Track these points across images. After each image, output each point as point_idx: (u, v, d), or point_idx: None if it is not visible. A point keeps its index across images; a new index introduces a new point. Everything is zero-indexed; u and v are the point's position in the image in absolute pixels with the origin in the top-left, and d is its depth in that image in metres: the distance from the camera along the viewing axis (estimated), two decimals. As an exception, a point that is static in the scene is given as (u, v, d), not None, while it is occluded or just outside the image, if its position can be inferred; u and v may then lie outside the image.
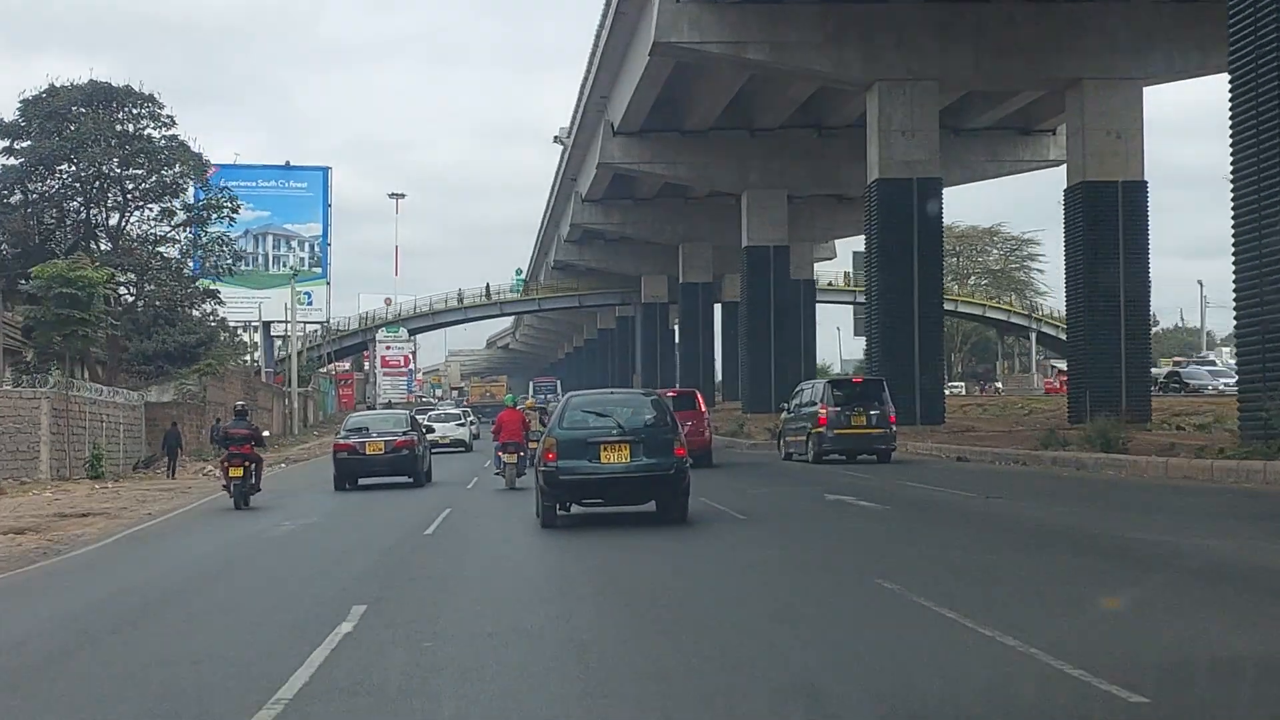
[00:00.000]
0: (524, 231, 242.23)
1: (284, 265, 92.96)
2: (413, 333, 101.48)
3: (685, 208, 73.37)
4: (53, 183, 45.32)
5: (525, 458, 24.50)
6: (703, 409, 33.17)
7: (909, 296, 39.17)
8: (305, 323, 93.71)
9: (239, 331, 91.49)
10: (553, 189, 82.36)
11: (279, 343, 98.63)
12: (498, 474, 26.03)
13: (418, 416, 49.58)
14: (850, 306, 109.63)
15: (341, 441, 27.69)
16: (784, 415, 35.24)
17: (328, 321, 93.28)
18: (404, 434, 27.58)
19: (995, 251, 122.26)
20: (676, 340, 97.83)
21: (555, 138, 69.08)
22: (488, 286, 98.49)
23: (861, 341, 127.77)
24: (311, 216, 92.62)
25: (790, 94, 51.67)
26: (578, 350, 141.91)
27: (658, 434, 16.18)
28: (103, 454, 36.94)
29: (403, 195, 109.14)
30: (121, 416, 42.43)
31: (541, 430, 19.09)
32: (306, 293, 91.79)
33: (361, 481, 27.45)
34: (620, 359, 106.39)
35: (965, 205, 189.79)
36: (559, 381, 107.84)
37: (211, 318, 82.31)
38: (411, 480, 27.28)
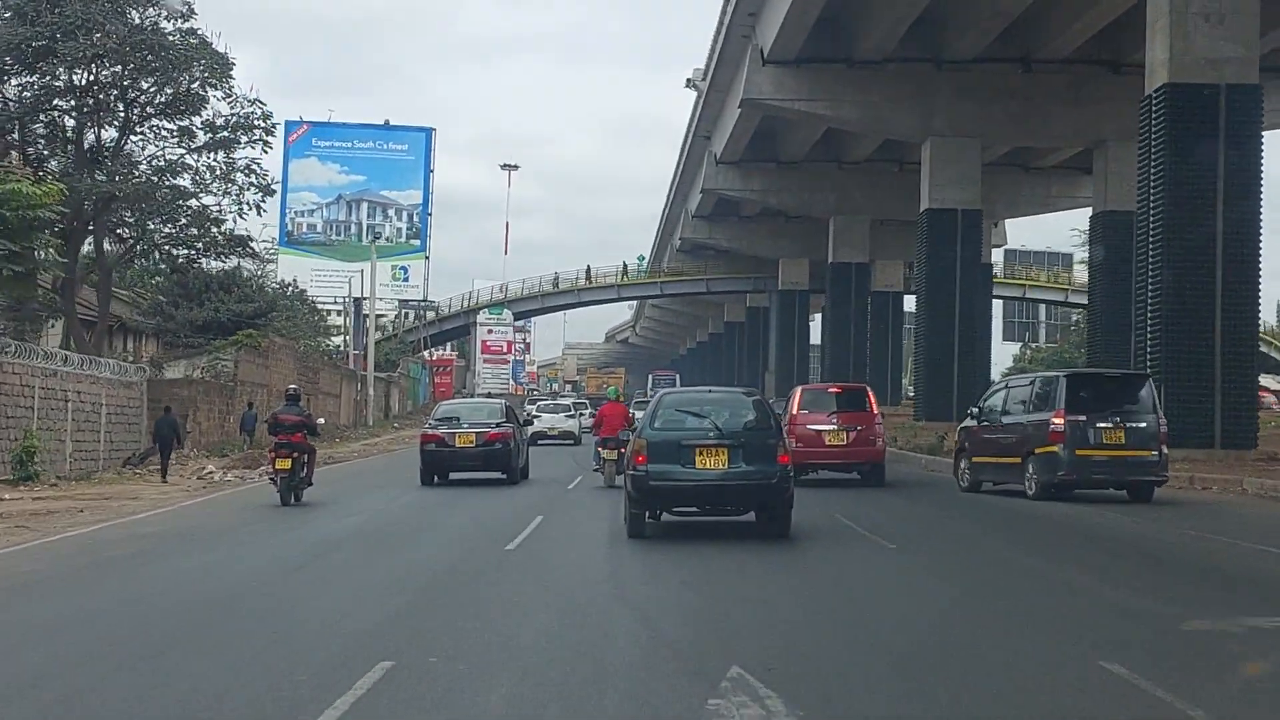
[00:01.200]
0: (645, 230, 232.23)
1: (379, 236, 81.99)
2: (519, 316, 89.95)
3: (838, 174, 60.50)
4: (34, 84, 33.87)
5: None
6: (875, 410, 25.20)
7: (1208, 260, 26.02)
8: (403, 301, 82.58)
9: (328, 312, 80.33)
10: (682, 152, 69.78)
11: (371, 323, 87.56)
12: (596, 470, 24.84)
13: (528, 406, 45.86)
14: (999, 303, 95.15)
15: (430, 432, 25.19)
16: (967, 425, 23.52)
17: (425, 300, 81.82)
18: (498, 425, 25.05)
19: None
20: (815, 334, 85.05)
21: (688, 81, 56.59)
22: (588, 269, 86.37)
23: (1011, 348, 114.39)
24: (411, 183, 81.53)
25: (998, 4, 38.69)
26: (701, 345, 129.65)
27: (759, 438, 14.43)
28: (36, 446, 25.42)
29: (515, 167, 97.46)
30: (105, 396, 30.91)
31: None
32: (403, 267, 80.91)
33: (452, 476, 24.88)
34: (749, 354, 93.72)
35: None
36: (678, 376, 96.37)
37: (289, 289, 71.76)
38: (505, 476, 24.88)
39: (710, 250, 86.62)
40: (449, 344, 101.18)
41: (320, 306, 75.93)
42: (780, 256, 76.73)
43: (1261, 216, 26.48)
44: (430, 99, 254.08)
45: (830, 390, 27.00)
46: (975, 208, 43.95)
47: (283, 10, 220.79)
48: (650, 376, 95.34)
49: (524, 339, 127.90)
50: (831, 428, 24.22)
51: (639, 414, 20.78)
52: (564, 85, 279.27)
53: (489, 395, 78.70)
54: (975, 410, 23.45)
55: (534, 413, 43.98)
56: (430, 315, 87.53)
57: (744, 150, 59.44)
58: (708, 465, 14.21)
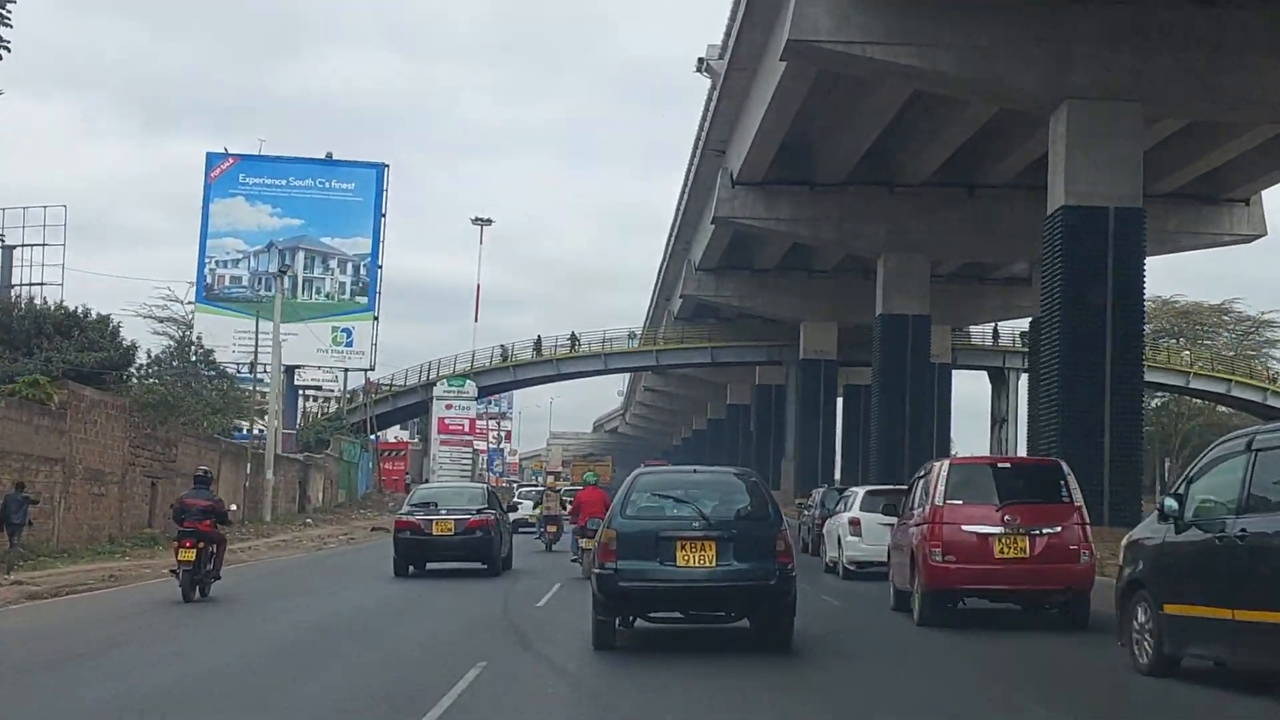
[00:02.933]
0: (638, 324, 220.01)
1: (319, 292, 66.82)
2: (488, 391, 74.52)
3: (889, 200, 45.58)
4: None
5: None
6: (1076, 501, 15.06)
7: None
8: (346, 370, 67.18)
9: (248, 390, 64.95)
10: (687, 179, 54.56)
11: (309, 398, 72.13)
12: (574, 560, 22.04)
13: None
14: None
15: (404, 518, 22.83)
16: (1149, 536, 11.40)
17: (371, 369, 66.37)
18: (479, 511, 22.63)
19: (1225, 334, 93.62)
20: (839, 411, 69.52)
21: (699, 62, 41.41)
22: (538, 340, 70.96)
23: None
24: (359, 229, 66.50)
25: None
26: (698, 434, 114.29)
27: (754, 529, 12.04)
28: None
29: (489, 221, 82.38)
30: None
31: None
32: (345, 329, 65.59)
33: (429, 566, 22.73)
34: (758, 441, 78.02)
35: (1190, 276, 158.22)
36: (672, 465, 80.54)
37: (193, 348, 56.29)
38: (485, 567, 22.19)
39: (713, 318, 71.83)
40: (410, 425, 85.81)
41: (238, 375, 60.31)
42: (803, 319, 61.80)
43: None
44: (426, 191, 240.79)
45: (1001, 466, 16.79)
46: (1134, 205, 28.75)
47: (276, 99, 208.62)
48: (642, 465, 79.97)
49: (499, 425, 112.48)
50: (1001, 530, 15.00)
51: None
52: (558, 180, 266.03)
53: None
54: (1170, 504, 11.04)
55: (517, 499, 42.26)
56: (385, 389, 72.14)
57: (770, 167, 44.60)
58: (691, 562, 11.82)
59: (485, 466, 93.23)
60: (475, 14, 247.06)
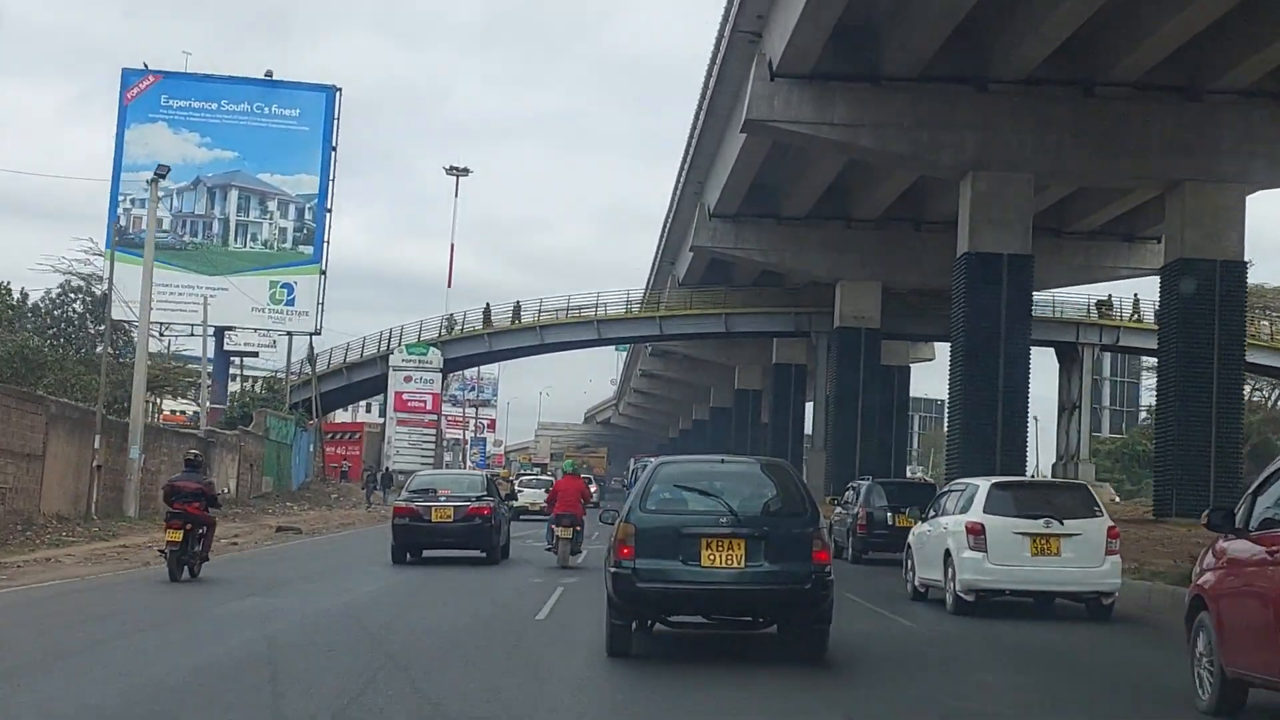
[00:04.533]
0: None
1: (255, 238, 54.73)
2: (459, 364, 62.27)
3: (981, 101, 33.67)
4: None
5: (582, 532, 21.07)
6: None
7: None
8: (290, 334, 54.83)
9: (167, 350, 52.50)
10: (707, 84, 41.90)
11: (242, 374, 59.83)
12: (549, 549, 21.47)
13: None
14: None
15: (403, 505, 22.18)
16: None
17: (317, 332, 54.09)
18: (478, 499, 22.10)
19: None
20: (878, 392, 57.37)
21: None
22: (491, 306, 58.82)
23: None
24: (304, 164, 54.44)
25: None
26: (699, 424, 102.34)
27: (788, 526, 10.45)
28: None
29: (466, 171, 70.05)
30: None
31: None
32: (286, 284, 53.55)
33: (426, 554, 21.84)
34: (773, 429, 66.00)
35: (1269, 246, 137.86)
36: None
37: (77, 298, 44.04)
38: (484, 555, 21.70)
39: (725, 284, 59.79)
40: (370, 405, 73.64)
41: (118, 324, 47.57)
42: (839, 278, 49.88)
43: None
44: (419, 183, 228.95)
45: None
46: None
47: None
48: (633, 460, 67.78)
49: (478, 413, 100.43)
50: None
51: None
52: (553, 173, 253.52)
53: (387, 472, 50.91)
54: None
55: (517, 488, 40.78)
56: (338, 360, 59.92)
57: (823, 52, 32.69)
58: (718, 562, 10.33)
59: (465, 457, 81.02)
60: (470, 4, 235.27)
